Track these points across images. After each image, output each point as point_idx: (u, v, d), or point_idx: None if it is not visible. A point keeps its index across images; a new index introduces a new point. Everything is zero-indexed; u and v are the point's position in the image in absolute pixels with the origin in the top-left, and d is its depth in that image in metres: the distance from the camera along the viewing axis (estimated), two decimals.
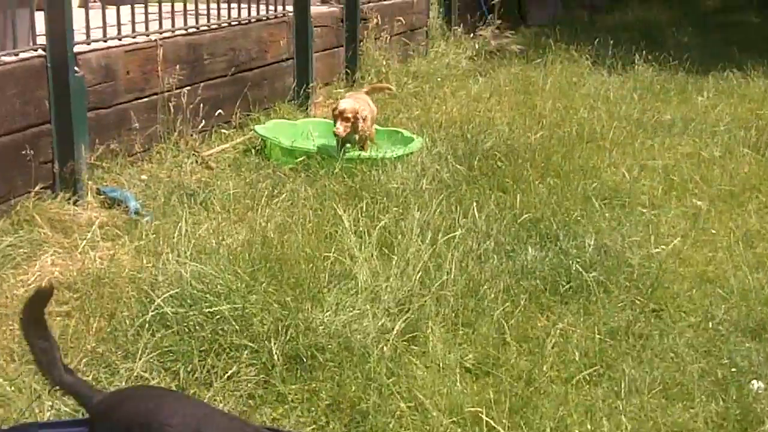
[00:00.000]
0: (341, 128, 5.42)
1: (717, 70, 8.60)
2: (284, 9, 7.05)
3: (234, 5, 6.47)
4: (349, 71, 7.80)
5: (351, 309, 3.45)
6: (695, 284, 4.03)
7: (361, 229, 4.15)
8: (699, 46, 10.21)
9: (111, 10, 5.35)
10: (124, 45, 5.34)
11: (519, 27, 11.68)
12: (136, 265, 3.91)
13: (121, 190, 4.83)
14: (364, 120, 5.56)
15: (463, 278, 3.81)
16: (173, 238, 4.04)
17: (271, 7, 6.92)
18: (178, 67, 5.66)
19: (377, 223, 4.21)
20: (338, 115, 5.44)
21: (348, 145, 5.64)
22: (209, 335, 3.27)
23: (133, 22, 5.46)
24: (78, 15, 4.89)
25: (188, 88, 5.73)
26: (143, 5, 5.61)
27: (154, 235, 4.20)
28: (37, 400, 2.89)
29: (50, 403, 2.88)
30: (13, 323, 3.38)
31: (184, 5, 6.09)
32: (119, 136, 5.23)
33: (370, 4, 8.40)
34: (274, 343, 3.20)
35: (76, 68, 4.77)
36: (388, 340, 3.28)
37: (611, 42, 9.13)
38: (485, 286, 3.77)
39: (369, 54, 8.16)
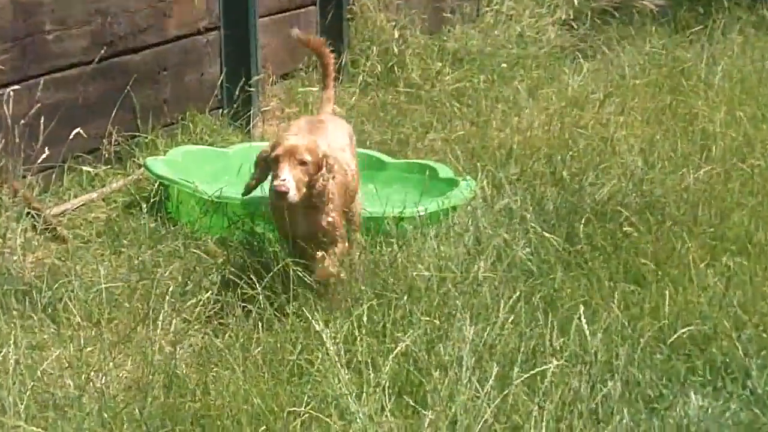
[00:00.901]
0: (288, 180, 4.88)
1: None
2: None
3: None
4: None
5: None
6: None
7: (359, 358, 4.18)
8: None
9: None
10: None
11: None
12: None
13: None
14: (332, 169, 5.05)
15: None
16: None
17: None
18: None
19: (391, 345, 4.24)
20: (284, 156, 4.90)
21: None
22: None
23: None
24: None
25: (16, 86, 5.83)
26: None
27: None
28: None
29: None
30: None
31: None
32: None
33: None
34: None
35: None
36: None
37: None
38: None
39: (366, 17, 8.28)
